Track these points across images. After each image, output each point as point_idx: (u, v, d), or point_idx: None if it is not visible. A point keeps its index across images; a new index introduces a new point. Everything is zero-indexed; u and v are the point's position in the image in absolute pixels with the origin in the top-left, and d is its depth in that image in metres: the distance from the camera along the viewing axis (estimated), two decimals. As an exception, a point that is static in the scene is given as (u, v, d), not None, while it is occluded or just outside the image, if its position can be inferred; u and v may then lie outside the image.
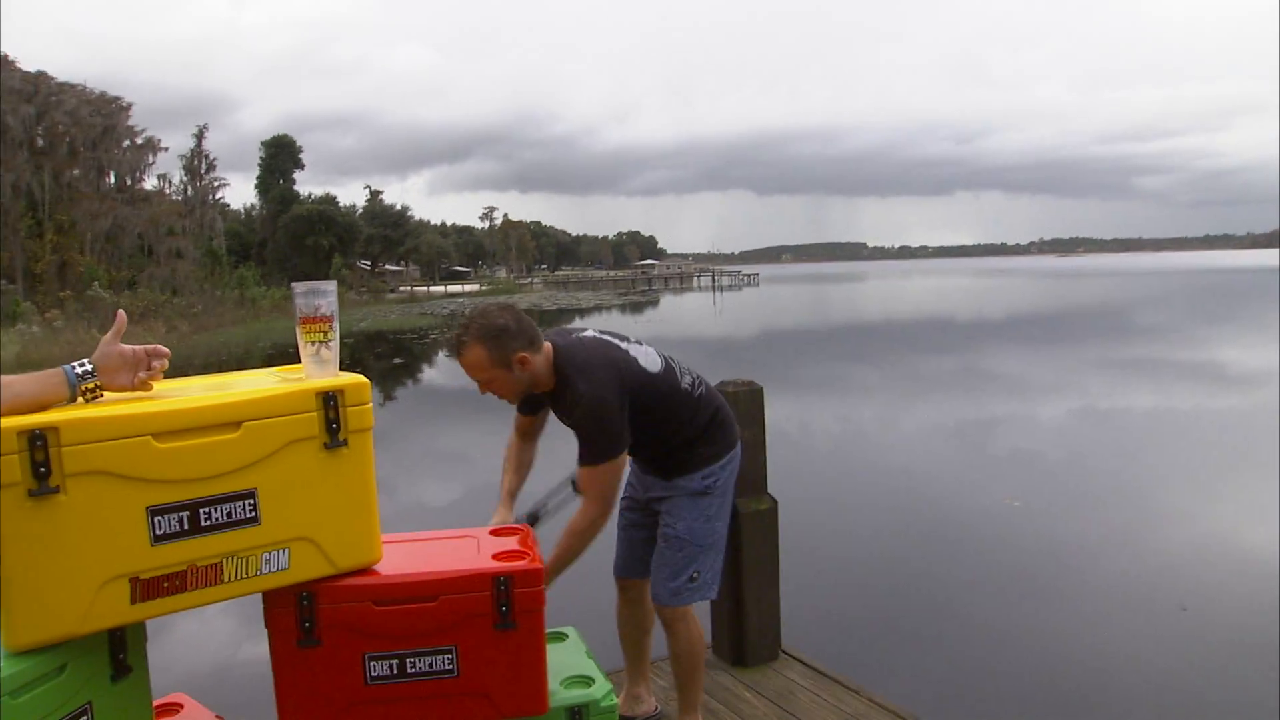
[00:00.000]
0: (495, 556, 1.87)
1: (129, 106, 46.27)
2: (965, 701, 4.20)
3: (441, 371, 22.47)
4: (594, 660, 2.20)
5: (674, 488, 2.49)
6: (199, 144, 54.70)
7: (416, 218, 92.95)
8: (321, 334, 1.75)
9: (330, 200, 68.59)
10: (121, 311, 1.69)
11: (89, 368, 1.57)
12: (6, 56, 39.41)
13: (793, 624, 3.47)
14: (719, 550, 2.54)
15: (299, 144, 68.56)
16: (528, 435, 2.59)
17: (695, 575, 2.47)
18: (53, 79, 42.40)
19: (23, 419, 1.44)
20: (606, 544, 2.75)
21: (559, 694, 1.95)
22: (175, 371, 1.86)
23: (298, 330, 1.75)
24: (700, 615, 2.64)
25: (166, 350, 1.65)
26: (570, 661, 2.11)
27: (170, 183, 52.80)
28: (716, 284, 78.06)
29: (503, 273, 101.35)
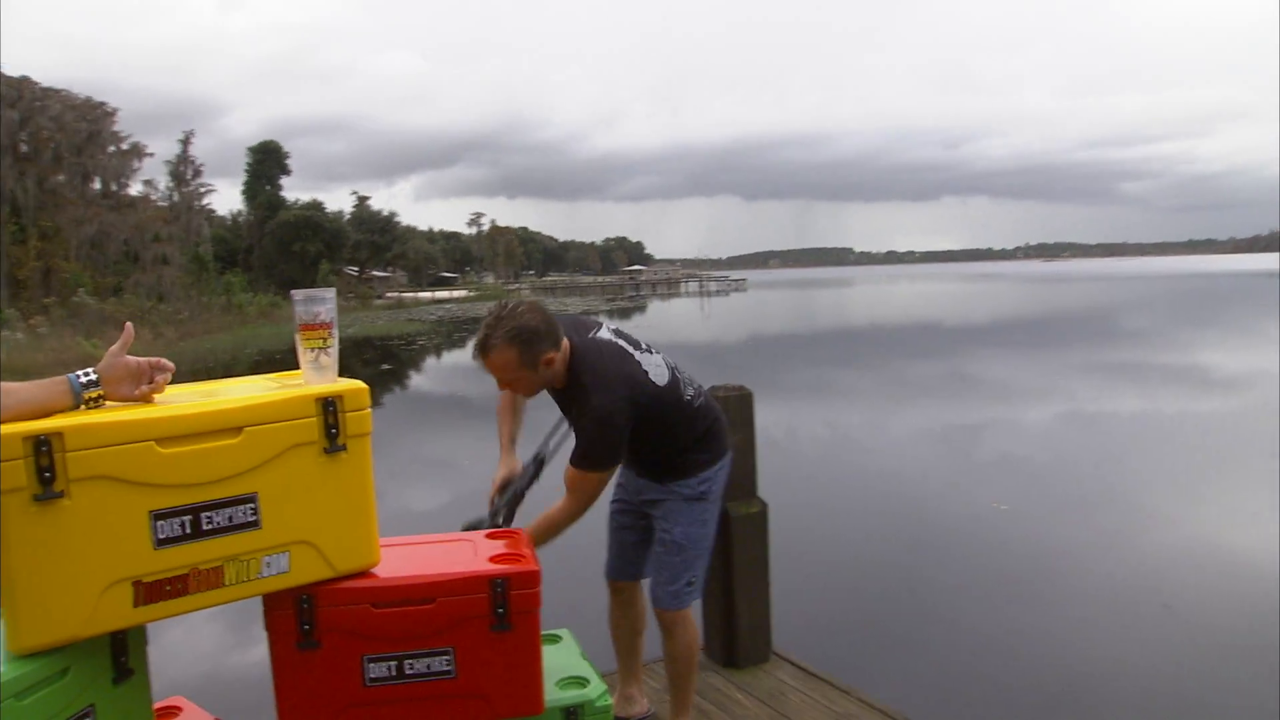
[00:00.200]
0: (492, 559, 1.89)
1: (114, 112, 46.03)
2: (954, 702, 4.24)
3: (429, 377, 22.45)
4: (588, 662, 2.23)
5: (669, 492, 2.52)
6: (185, 149, 54.43)
7: (404, 223, 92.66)
8: (321, 340, 1.78)
9: (317, 206, 68.38)
10: (129, 324, 1.71)
11: (93, 377, 1.59)
12: (-10, 62, 39.18)
13: (783, 626, 3.51)
14: (710, 554, 2.58)
15: (285, 149, 68.36)
16: None
17: (694, 579, 2.52)
18: (36, 84, 42.14)
19: (28, 424, 1.46)
20: (598, 548, 2.78)
21: (554, 695, 1.98)
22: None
23: (297, 337, 1.78)
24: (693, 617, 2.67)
25: (171, 365, 1.68)
26: (565, 663, 2.14)
27: (156, 188, 52.51)
28: (704, 289, 78.24)
29: (490, 279, 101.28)
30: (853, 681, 3.20)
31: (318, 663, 1.77)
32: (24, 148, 40.89)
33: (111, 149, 45.91)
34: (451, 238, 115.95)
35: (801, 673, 3.22)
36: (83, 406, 1.58)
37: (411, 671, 1.81)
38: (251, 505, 1.65)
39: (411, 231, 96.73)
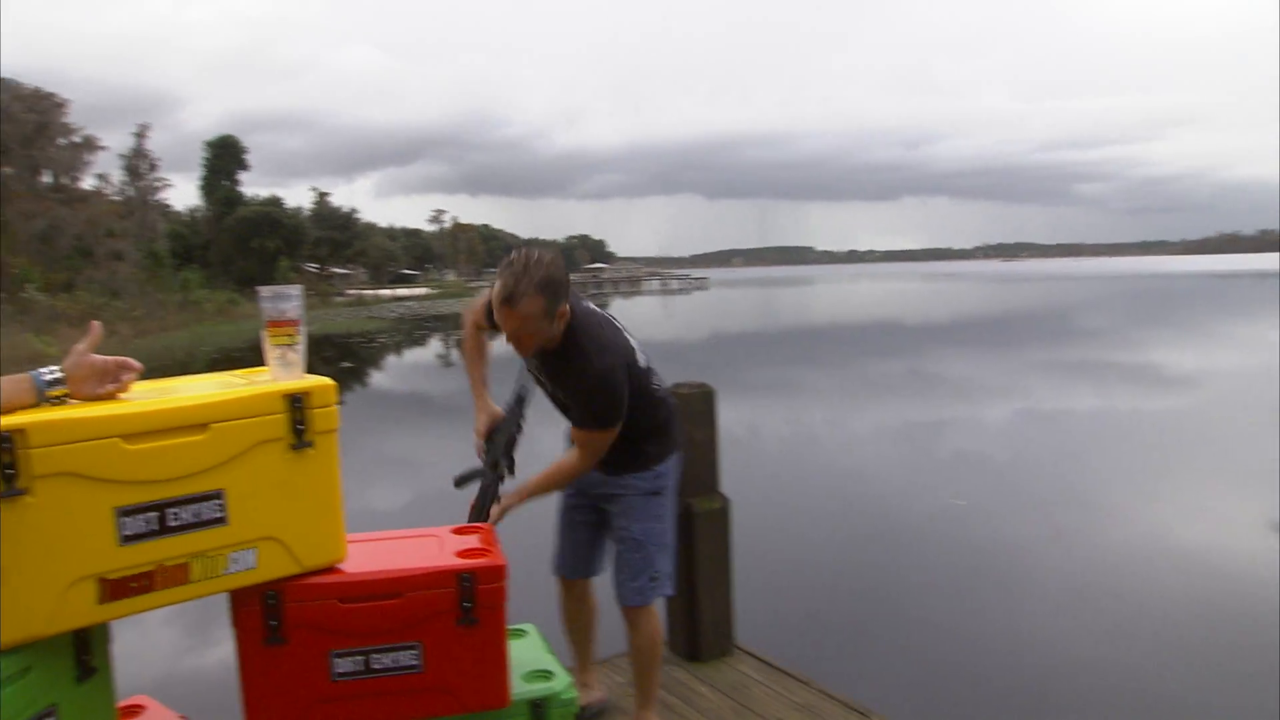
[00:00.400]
0: (458, 554, 1.91)
1: (65, 103, 45.08)
2: (913, 694, 4.32)
3: (390, 375, 22.28)
4: (554, 655, 2.25)
5: (624, 486, 2.54)
6: (140, 143, 53.44)
7: (364, 220, 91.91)
8: (288, 337, 1.78)
9: (276, 202, 67.49)
10: (96, 323, 1.70)
11: (59, 375, 1.59)
12: (-66, 52, 38.16)
13: (746, 620, 3.56)
14: (672, 547, 2.62)
15: (244, 144, 67.39)
16: (484, 331, 2.60)
17: (655, 575, 2.55)
18: (-18, 74, 41.19)
19: (-10, 421, 1.45)
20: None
21: (521, 688, 2.00)
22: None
23: (264, 333, 1.78)
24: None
25: (138, 365, 1.67)
26: (531, 656, 2.16)
27: (110, 183, 51.54)
28: (666, 287, 78.37)
29: (452, 276, 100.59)
30: (815, 672, 3.25)
31: (284, 659, 1.78)
32: (-31, 140, 39.90)
33: (62, 141, 44.93)
34: (413, 235, 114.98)
35: (763, 665, 3.26)
36: (46, 404, 1.58)
37: (378, 666, 1.82)
38: (218, 501, 1.65)
39: (372, 228, 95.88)
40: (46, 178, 44.59)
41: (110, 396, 1.64)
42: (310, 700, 1.80)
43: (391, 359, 26.08)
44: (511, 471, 2.45)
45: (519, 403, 2.46)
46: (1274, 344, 22.26)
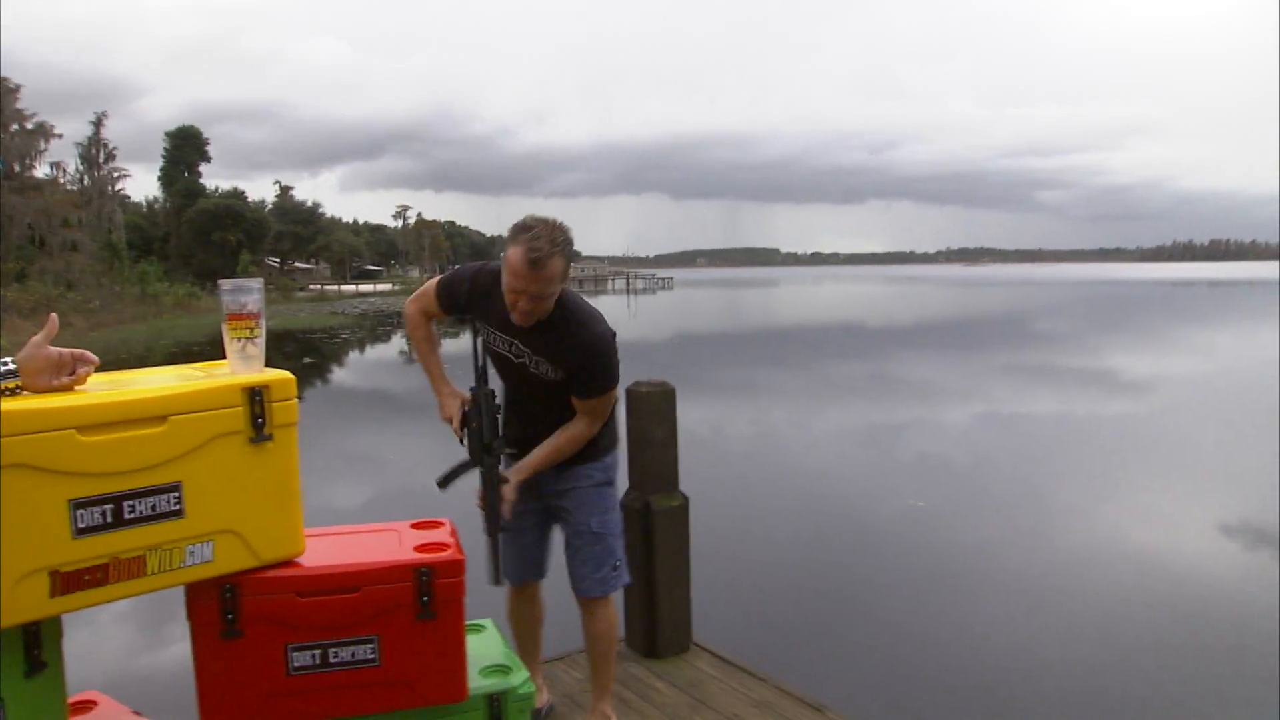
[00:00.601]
0: (417, 549, 1.92)
1: (18, 89, 44.12)
2: (870, 690, 4.37)
3: (352, 372, 22.08)
4: (511, 650, 2.26)
5: (577, 478, 2.54)
6: (97, 132, 52.55)
7: (328, 215, 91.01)
8: (248, 330, 1.78)
9: (238, 195, 66.57)
10: (54, 315, 1.69)
11: (11, 367, 1.57)
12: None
13: (705, 618, 3.59)
14: (623, 533, 2.67)
15: (206, 135, 66.39)
16: (433, 319, 2.61)
17: (616, 564, 2.58)
18: (-67, 58, 40.18)
19: (-59, 412, 1.44)
20: None
21: (478, 683, 2.01)
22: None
23: (224, 326, 1.78)
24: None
25: (95, 358, 1.66)
26: (488, 652, 2.17)
27: (65, 172, 50.57)
28: (631, 287, 78.37)
29: (415, 272, 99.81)
30: (772, 669, 3.29)
31: (240, 652, 1.78)
32: (-81, 125, 38.96)
33: (15, 128, 43.97)
34: (377, 230, 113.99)
35: (720, 662, 3.29)
36: (-1, 395, 1.56)
37: (336, 660, 1.82)
38: (175, 494, 1.64)
39: (336, 223, 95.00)
40: (-1, 165, 43.57)
41: (65, 389, 1.62)
42: (267, 694, 1.80)
43: (354, 355, 25.84)
44: (511, 447, 2.45)
45: (483, 379, 2.42)
46: (1228, 350, 22.79)
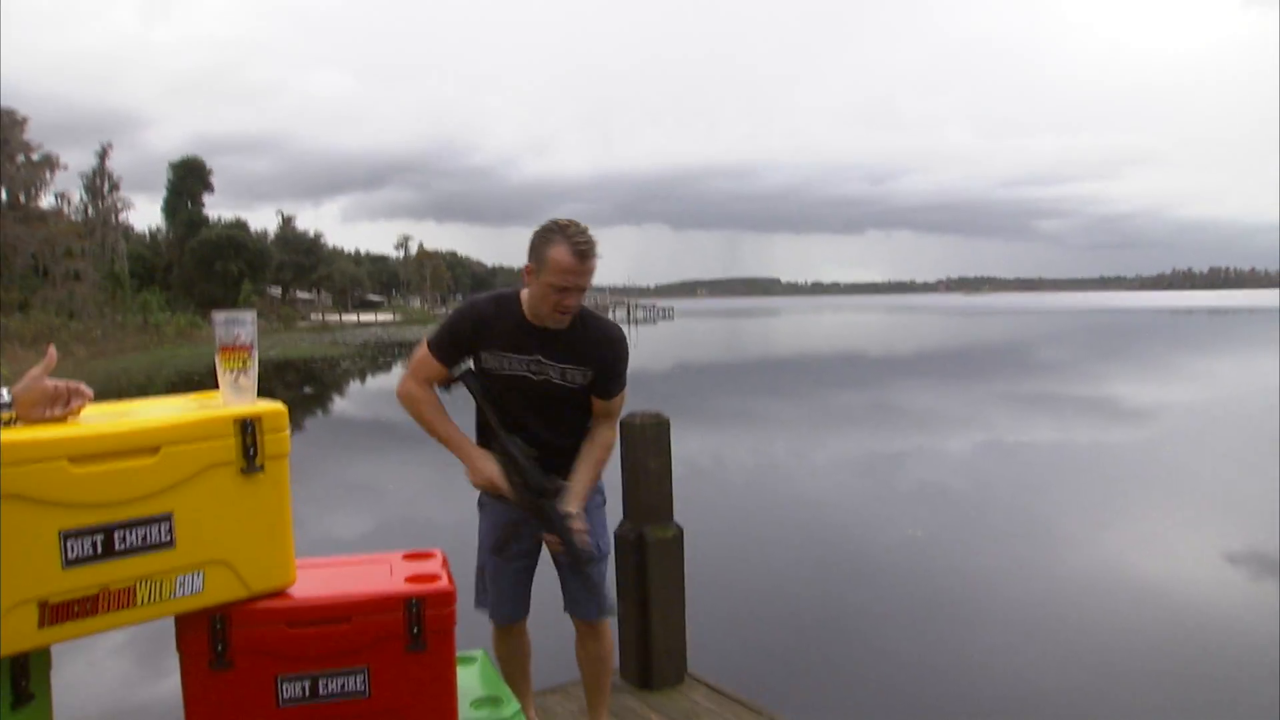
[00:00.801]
0: (408, 579, 1.91)
1: (24, 120, 44.54)
2: (865, 723, 4.34)
3: (353, 401, 22.09)
4: (503, 682, 2.26)
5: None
6: (102, 162, 52.91)
7: (330, 245, 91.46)
8: (240, 362, 1.79)
9: (241, 225, 66.97)
10: (52, 348, 1.71)
11: (7, 399, 1.58)
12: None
13: (700, 648, 3.57)
14: None
15: (209, 166, 66.95)
16: (434, 385, 2.53)
17: (608, 583, 2.62)
18: (-61, 89, 40.57)
19: (-67, 443, 1.45)
20: None
21: (469, 714, 2.00)
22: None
23: (217, 358, 1.79)
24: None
25: (89, 391, 1.67)
26: (480, 683, 2.16)
27: (69, 202, 50.90)
28: (632, 317, 78.42)
29: (417, 302, 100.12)
30: (768, 702, 3.27)
31: (230, 684, 1.77)
32: (-74, 156, 39.26)
33: (21, 159, 44.33)
34: (378, 260, 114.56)
35: (715, 694, 3.28)
36: (-7, 426, 1.57)
37: (325, 691, 1.81)
38: (166, 524, 1.64)
39: (337, 253, 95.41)
40: (2, 195, 43.93)
41: (59, 420, 1.63)
42: (255, 726, 1.79)
43: (354, 385, 25.87)
44: (557, 487, 2.39)
45: (506, 427, 2.40)
46: (1229, 378, 22.79)
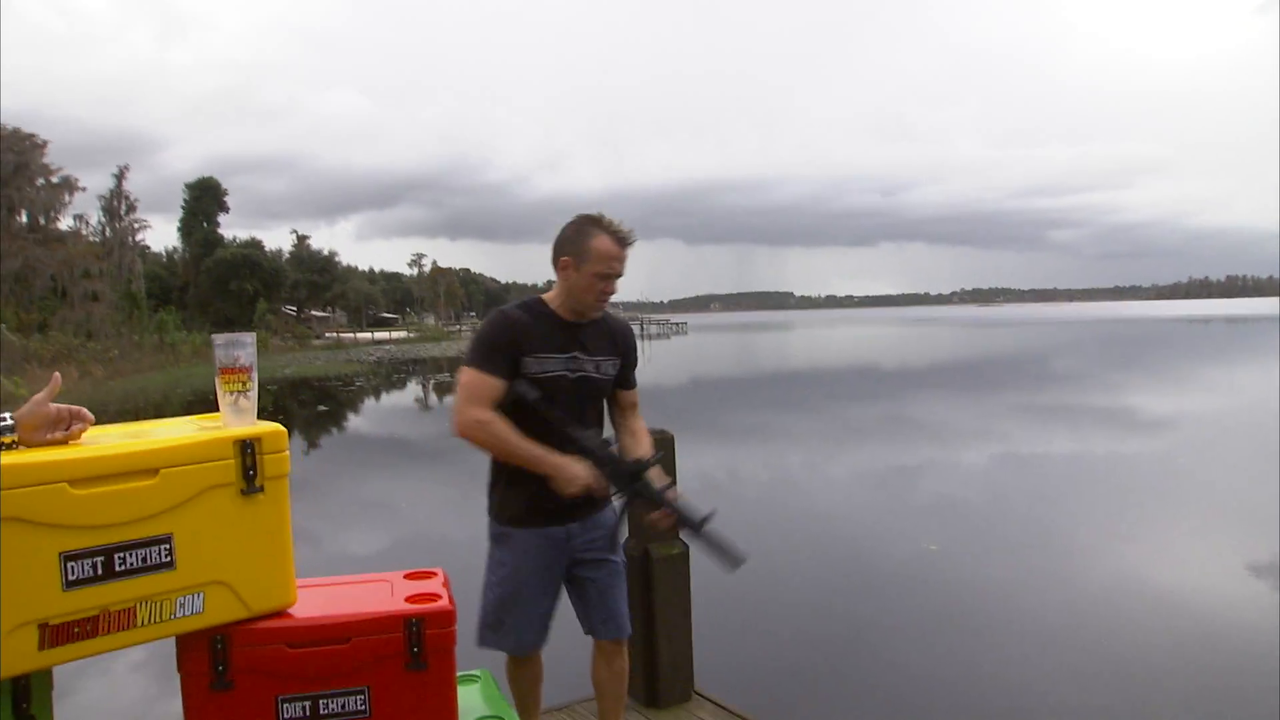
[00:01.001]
0: (408, 599, 1.92)
1: (44, 144, 45.13)
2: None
3: (368, 419, 22.16)
4: (506, 701, 2.26)
5: (602, 521, 2.49)
6: (119, 184, 53.52)
7: (344, 263, 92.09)
8: (240, 384, 1.81)
9: (256, 244, 67.54)
10: (57, 374, 1.73)
11: (9, 423, 1.61)
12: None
13: (711, 667, 3.56)
14: None
15: (224, 186, 67.60)
16: (495, 403, 2.38)
17: None
18: (-40, 114, 41.19)
19: (-65, 466, 1.47)
20: None
21: (470, 734, 2.00)
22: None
23: (217, 380, 1.81)
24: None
25: (90, 416, 1.69)
26: (482, 703, 2.17)
27: (87, 223, 51.49)
28: (645, 332, 78.50)
29: (431, 320, 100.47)
30: (777, 719, 3.26)
31: (231, 704, 1.77)
32: (-54, 179, 39.80)
33: (40, 182, 44.90)
34: (392, 278, 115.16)
35: (723, 712, 3.26)
36: (-5, 450, 1.59)
37: (326, 711, 1.82)
38: (166, 546, 1.66)
39: (352, 271, 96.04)
40: (23, 218, 44.44)
41: (59, 444, 1.65)
42: (256, 746, 1.80)
43: (369, 403, 25.97)
44: (644, 465, 2.36)
45: (575, 423, 2.39)
46: (1246, 387, 22.58)
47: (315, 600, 1.90)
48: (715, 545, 2.30)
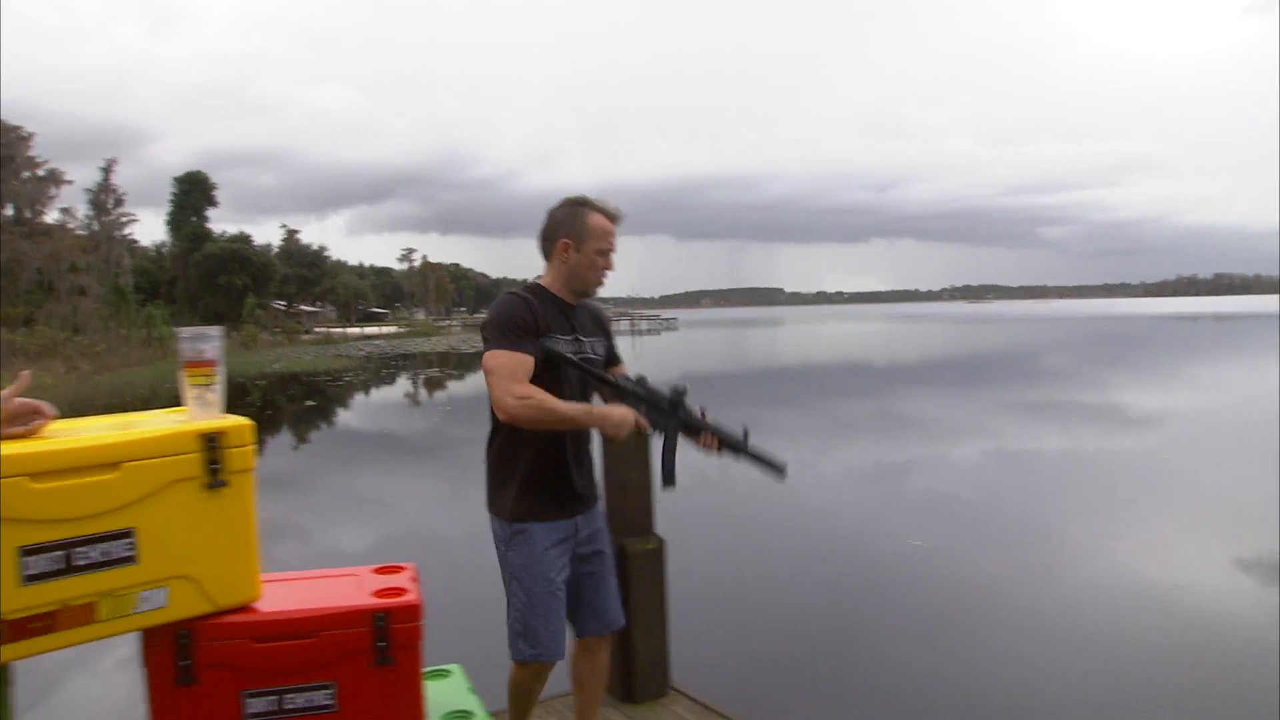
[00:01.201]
0: (375, 593, 1.92)
1: (30, 136, 44.85)
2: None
3: (357, 414, 22.10)
4: (476, 696, 2.25)
5: (599, 513, 2.58)
6: (107, 177, 53.22)
7: (334, 258, 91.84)
8: (205, 377, 1.80)
9: (245, 239, 67.25)
10: (25, 372, 1.72)
11: None
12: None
13: (687, 663, 3.56)
14: None
15: (214, 180, 67.25)
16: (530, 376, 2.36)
17: None
18: (-54, 107, 40.87)
19: (-109, 461, 1.46)
20: (492, 582, 2.71)
21: (439, 728, 2.00)
22: (75, 413, 1.90)
23: (182, 374, 1.80)
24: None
25: (53, 410, 1.68)
26: (451, 698, 2.16)
27: (74, 217, 51.16)
28: (635, 328, 78.32)
29: (421, 315, 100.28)
30: (750, 715, 3.26)
31: (195, 699, 1.77)
32: (-69, 172, 39.48)
33: (26, 174, 44.59)
34: (382, 273, 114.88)
35: (699, 707, 3.26)
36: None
37: (291, 706, 1.81)
38: (128, 540, 1.65)
39: (341, 266, 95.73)
40: (8, 211, 44.15)
41: (20, 438, 1.64)
42: (221, 741, 1.79)
43: (359, 398, 25.89)
44: (680, 392, 2.44)
45: (612, 375, 2.50)
46: (1234, 384, 22.70)
47: (281, 594, 1.89)
48: (761, 460, 2.41)
